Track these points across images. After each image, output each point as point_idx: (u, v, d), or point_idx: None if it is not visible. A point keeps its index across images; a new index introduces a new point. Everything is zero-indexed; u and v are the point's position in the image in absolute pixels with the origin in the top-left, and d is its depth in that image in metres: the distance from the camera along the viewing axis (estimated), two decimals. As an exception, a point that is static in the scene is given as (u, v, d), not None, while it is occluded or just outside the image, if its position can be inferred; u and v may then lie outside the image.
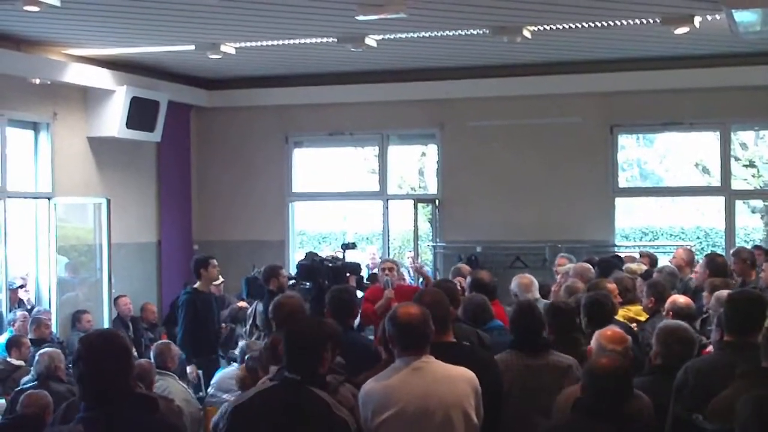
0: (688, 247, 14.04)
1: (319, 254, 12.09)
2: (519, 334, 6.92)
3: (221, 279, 13.05)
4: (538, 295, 9.71)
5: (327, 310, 7.93)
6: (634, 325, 8.63)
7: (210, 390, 10.02)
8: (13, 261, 13.88)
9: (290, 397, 5.13)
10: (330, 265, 11.45)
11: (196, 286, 12.04)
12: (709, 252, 12.20)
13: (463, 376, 5.56)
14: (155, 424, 4.56)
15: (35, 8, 10.27)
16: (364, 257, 15.25)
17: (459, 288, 9.78)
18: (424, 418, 5.36)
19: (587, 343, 6.54)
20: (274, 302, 7.96)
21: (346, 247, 12.28)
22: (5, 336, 12.45)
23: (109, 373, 4.40)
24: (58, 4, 10.18)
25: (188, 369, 11.33)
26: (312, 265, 11.42)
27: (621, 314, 8.69)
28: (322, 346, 5.36)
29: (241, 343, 9.53)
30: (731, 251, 11.91)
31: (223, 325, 12.45)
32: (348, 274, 11.36)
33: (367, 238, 20.82)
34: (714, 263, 10.48)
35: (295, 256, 16.49)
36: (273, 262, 12.44)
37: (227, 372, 9.46)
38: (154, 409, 4.57)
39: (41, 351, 10.29)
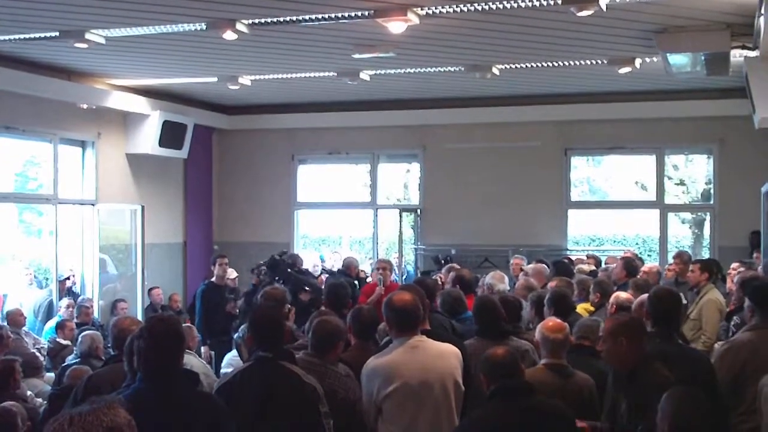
0: (633, 251, 14.11)
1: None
2: (482, 324, 6.92)
3: (235, 273, 13.02)
4: (508, 287, 9.76)
5: (325, 302, 7.92)
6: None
7: (222, 370, 10.00)
8: (63, 257, 13.86)
9: (265, 372, 5.15)
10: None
11: (212, 279, 12.12)
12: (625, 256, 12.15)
13: (451, 351, 5.63)
14: (198, 395, 4.62)
15: (84, 45, 10.32)
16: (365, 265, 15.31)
17: (440, 283, 9.83)
18: (425, 389, 5.40)
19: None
20: (261, 293, 8.01)
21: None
22: (55, 320, 12.45)
23: (165, 351, 4.46)
24: (103, 42, 10.23)
25: (202, 350, 11.32)
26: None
27: (582, 307, 8.76)
28: (282, 326, 5.42)
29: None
30: (674, 254, 11.97)
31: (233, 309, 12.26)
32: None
33: (360, 242, 20.81)
34: (630, 265, 10.61)
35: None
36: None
37: (234, 352, 9.42)
38: (196, 382, 4.60)
39: (83, 333, 10.27)
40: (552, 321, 6.27)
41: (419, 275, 14.00)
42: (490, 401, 4.90)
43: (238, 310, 11.89)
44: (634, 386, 5.16)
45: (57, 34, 10.16)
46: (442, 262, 14.72)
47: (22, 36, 10.39)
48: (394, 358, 5.48)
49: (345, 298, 8.12)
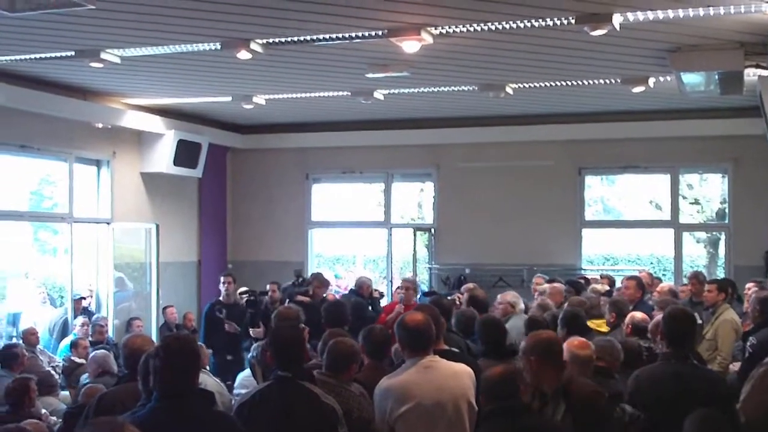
0: (648, 270, 14.08)
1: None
2: (486, 344, 6.90)
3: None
4: (523, 306, 9.73)
5: (324, 322, 7.88)
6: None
7: (235, 390, 9.96)
8: (78, 276, 13.88)
9: (284, 391, 5.14)
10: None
11: (219, 298, 12.18)
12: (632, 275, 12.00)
13: (465, 371, 5.61)
14: (214, 414, 4.60)
15: (99, 65, 10.38)
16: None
17: (457, 302, 9.82)
18: (438, 409, 5.39)
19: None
20: (274, 313, 8.03)
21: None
22: (70, 338, 12.48)
23: (181, 370, 4.44)
24: (118, 61, 10.28)
25: None
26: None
27: (591, 323, 8.68)
28: (302, 346, 5.41)
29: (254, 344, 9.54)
30: (689, 274, 11.91)
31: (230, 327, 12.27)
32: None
33: (374, 261, 20.81)
34: (641, 283, 10.53)
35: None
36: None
37: (247, 372, 9.39)
38: (212, 402, 4.59)
39: (92, 355, 10.25)
40: (577, 340, 6.24)
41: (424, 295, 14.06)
42: (485, 421, 4.91)
43: (239, 329, 11.89)
44: (569, 400, 5.23)
45: (72, 53, 10.21)
46: (451, 282, 14.80)
47: (37, 55, 10.44)
48: (407, 378, 5.46)
49: (344, 316, 8.06)
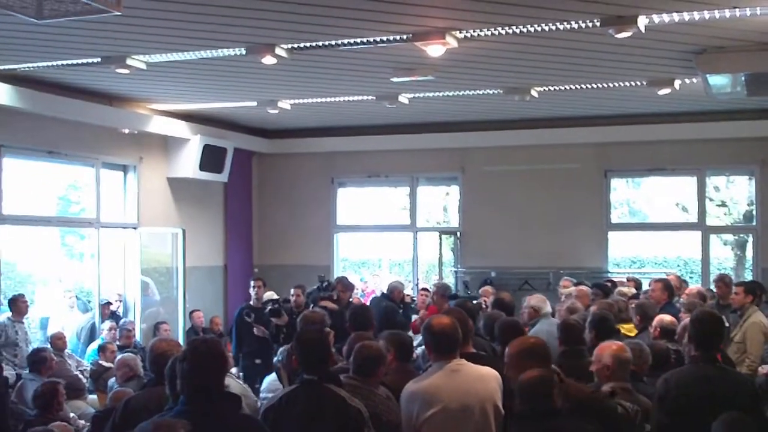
0: (676, 273, 14.01)
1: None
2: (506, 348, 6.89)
3: (276, 297, 13.04)
4: (549, 309, 9.66)
5: (349, 324, 7.86)
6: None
7: (262, 395, 9.97)
8: (105, 280, 13.93)
9: (310, 394, 5.15)
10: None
11: (249, 302, 12.22)
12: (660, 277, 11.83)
13: (491, 375, 5.59)
14: (241, 417, 4.62)
15: (125, 71, 10.44)
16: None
17: (484, 305, 9.79)
18: (465, 413, 5.38)
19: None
20: (300, 317, 8.05)
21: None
22: (98, 342, 12.55)
23: (208, 373, 4.46)
24: (144, 67, 10.33)
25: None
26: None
27: (619, 326, 8.65)
28: (328, 349, 5.44)
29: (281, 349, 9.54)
30: (715, 277, 11.81)
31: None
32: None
33: (400, 264, 20.79)
34: (668, 286, 10.44)
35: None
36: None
37: (273, 376, 9.40)
38: (239, 405, 4.60)
39: (118, 359, 10.28)
40: (615, 344, 6.20)
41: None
42: (517, 423, 4.92)
43: (267, 333, 11.90)
44: (569, 402, 5.24)
45: (99, 60, 10.27)
46: (472, 287, 14.82)
47: (64, 62, 10.52)
48: (433, 382, 5.45)
49: (369, 319, 8.03)
